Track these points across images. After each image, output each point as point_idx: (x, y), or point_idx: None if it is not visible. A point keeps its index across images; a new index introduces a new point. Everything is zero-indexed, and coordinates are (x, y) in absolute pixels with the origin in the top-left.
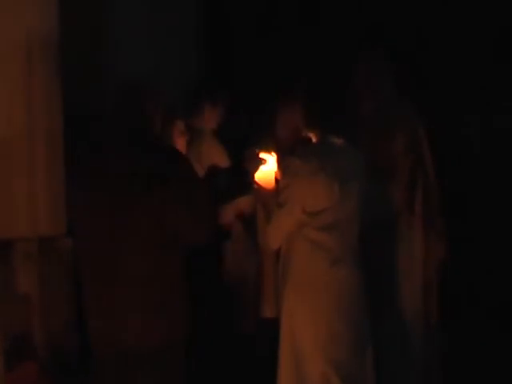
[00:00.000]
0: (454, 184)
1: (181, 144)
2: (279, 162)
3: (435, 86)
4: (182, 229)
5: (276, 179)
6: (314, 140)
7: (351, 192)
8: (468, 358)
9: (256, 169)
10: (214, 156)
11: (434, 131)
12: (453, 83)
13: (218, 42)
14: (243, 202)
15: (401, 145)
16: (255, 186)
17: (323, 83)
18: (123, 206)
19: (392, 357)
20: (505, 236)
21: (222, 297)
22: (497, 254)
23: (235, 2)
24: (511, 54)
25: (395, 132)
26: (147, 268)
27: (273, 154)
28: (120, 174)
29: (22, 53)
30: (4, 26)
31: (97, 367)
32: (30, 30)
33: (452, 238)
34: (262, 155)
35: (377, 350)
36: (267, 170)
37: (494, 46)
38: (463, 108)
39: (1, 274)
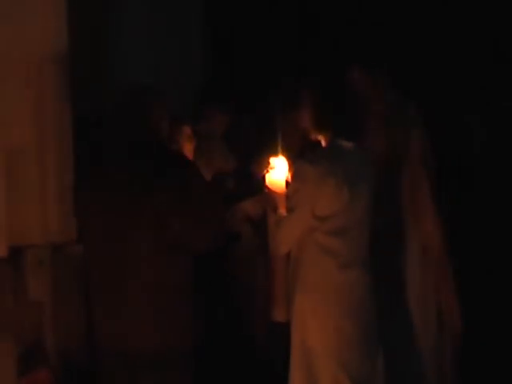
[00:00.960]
0: (453, 184)
1: (188, 149)
2: (290, 165)
3: (435, 85)
4: (185, 233)
5: (287, 183)
6: (323, 143)
7: (361, 195)
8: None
9: (266, 173)
10: (221, 162)
11: (434, 131)
12: (453, 83)
13: (221, 43)
14: (251, 205)
15: (402, 145)
16: (265, 190)
17: (333, 84)
18: (126, 209)
19: (402, 358)
20: (505, 236)
21: (230, 300)
22: (497, 254)
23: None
24: (511, 54)
25: (396, 133)
26: (151, 271)
27: (283, 157)
28: (123, 178)
29: (32, 64)
30: (13, 37)
31: (102, 369)
32: (40, 41)
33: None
34: (272, 159)
35: (387, 351)
36: (278, 174)
37: (494, 46)
38: (463, 108)
39: (13, 280)
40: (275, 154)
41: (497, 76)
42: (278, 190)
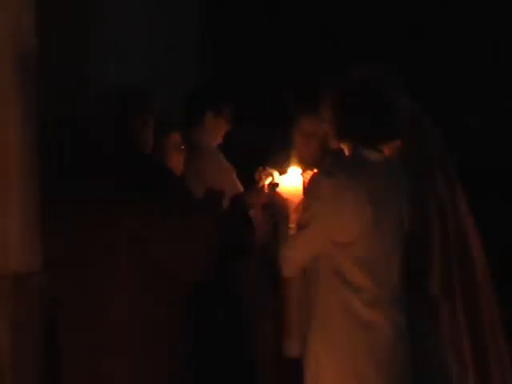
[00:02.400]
0: None
1: (176, 160)
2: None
3: (435, 86)
4: (170, 262)
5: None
6: (345, 152)
7: (389, 217)
8: None
9: (263, 189)
10: (218, 175)
11: None
12: (453, 83)
13: (220, 43)
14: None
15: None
16: (278, 199)
17: (355, 83)
18: (100, 232)
19: None
20: (506, 237)
21: (232, 336)
22: (499, 255)
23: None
24: (511, 54)
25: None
26: (130, 305)
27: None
28: (97, 196)
29: None
30: None
31: None
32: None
33: None
34: (286, 166)
35: None
36: (292, 180)
37: (494, 46)
38: (463, 108)
39: None
40: (285, 164)
41: (497, 76)
42: (292, 199)
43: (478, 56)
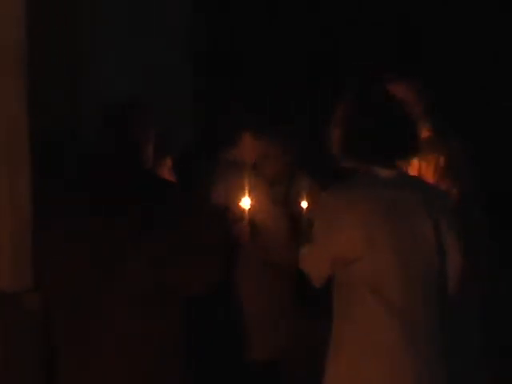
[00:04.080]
0: None
1: None
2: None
3: (435, 86)
4: (178, 274)
5: None
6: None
7: (399, 238)
8: None
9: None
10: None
11: None
12: (453, 83)
13: (221, 45)
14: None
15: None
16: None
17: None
18: (107, 251)
19: None
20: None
21: (232, 336)
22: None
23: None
24: (511, 54)
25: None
26: (133, 321)
27: None
28: (102, 214)
29: None
30: None
31: None
32: None
33: None
34: None
35: None
36: None
37: (494, 46)
38: (464, 108)
39: None
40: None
41: (497, 76)
42: None
43: (478, 56)
